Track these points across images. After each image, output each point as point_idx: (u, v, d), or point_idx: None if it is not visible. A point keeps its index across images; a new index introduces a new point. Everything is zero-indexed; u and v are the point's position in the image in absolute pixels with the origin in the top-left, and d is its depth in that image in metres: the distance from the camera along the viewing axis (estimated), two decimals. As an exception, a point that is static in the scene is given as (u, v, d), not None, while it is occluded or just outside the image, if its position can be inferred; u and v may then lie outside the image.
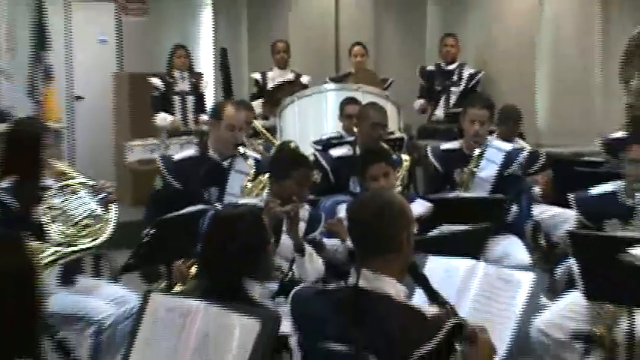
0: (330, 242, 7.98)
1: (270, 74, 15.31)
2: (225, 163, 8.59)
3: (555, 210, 9.63)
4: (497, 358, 5.09)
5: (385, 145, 9.48)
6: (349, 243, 7.76)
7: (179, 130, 14.54)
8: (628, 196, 7.61)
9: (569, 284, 7.54)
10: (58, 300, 7.26)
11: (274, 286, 7.02)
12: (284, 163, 7.88)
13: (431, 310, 4.74)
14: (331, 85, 13.33)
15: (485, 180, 9.20)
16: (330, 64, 16.80)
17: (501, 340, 5.40)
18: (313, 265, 7.46)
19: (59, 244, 7.50)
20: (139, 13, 18.56)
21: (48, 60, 16.58)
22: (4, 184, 7.61)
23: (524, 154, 9.57)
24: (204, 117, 14.04)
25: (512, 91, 12.98)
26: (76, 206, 7.69)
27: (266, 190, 8.01)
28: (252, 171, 8.49)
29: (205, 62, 18.19)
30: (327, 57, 17.06)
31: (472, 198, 9.02)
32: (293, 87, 14.32)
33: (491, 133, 9.53)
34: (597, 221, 7.71)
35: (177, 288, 7.06)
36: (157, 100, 14.80)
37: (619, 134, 10.30)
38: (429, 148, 9.71)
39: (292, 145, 8.71)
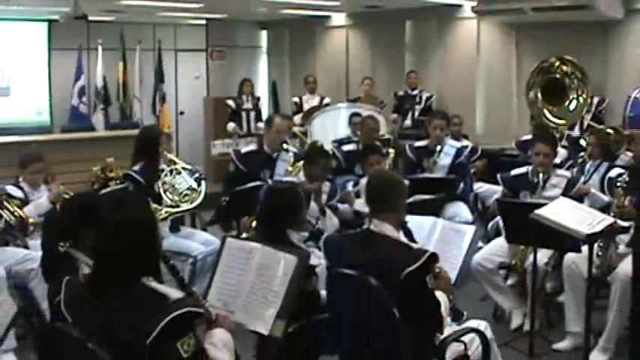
0: (343, 206, 8.00)
1: (304, 97, 15.26)
2: (275, 155, 8.56)
3: (488, 185, 9.61)
4: (452, 282, 5.21)
5: (378, 143, 9.49)
6: (355, 207, 7.84)
7: (238, 135, 14.57)
8: (534, 176, 7.61)
9: (496, 233, 7.54)
10: (169, 241, 7.31)
11: (306, 234, 7.04)
12: (313, 154, 7.90)
13: (415, 245, 4.92)
14: (344, 104, 13.30)
15: (443, 166, 9.27)
16: (343, 90, 16.78)
17: (454, 270, 5.44)
18: (331, 221, 7.52)
19: (169, 206, 7.56)
20: (220, 57, 18.55)
21: (163, 89, 16.63)
22: (136, 167, 7.66)
23: (468, 149, 9.64)
24: (261, 125, 14.05)
25: (459, 108, 12.92)
26: (180, 182, 7.75)
27: (301, 173, 7.97)
28: (292, 160, 8.47)
29: (262, 90, 18.14)
30: (340, 85, 17.05)
31: (435, 178, 9.07)
32: (319, 107, 14.35)
33: (446, 136, 9.51)
34: (515, 193, 7.73)
35: (243, 235, 7.03)
36: (230, 115, 14.80)
37: (527, 137, 10.28)
38: (407, 146, 9.75)
39: (318, 143, 8.69)
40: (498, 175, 8.09)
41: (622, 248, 6.62)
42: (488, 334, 5.03)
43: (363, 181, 7.48)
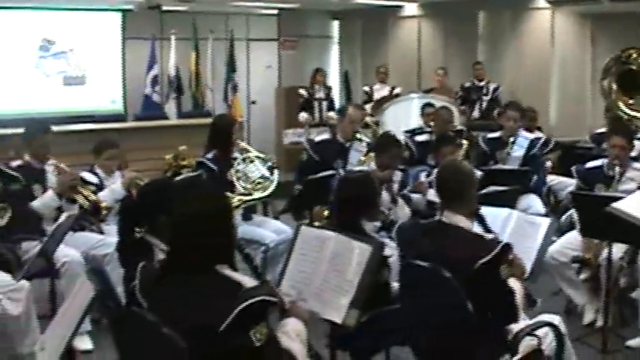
0: (415, 196, 7.96)
1: (374, 87, 15.26)
2: (348, 144, 8.57)
3: (561, 178, 9.52)
4: (526, 275, 5.19)
5: (451, 134, 9.44)
6: (427, 197, 7.80)
7: (310, 124, 14.65)
8: (609, 169, 7.54)
9: (570, 226, 7.45)
10: (242, 229, 7.30)
11: (378, 224, 7.02)
12: (384, 143, 7.89)
13: (488, 236, 4.92)
14: (416, 94, 13.29)
15: (516, 158, 9.24)
16: (414, 80, 16.70)
17: (527, 263, 5.39)
18: (403, 210, 7.49)
19: (242, 195, 7.59)
20: (292, 47, 18.57)
21: (235, 79, 16.68)
22: (209, 155, 7.72)
23: (542, 141, 9.54)
24: (333, 114, 14.08)
25: (532, 99, 12.78)
26: (253, 170, 7.80)
27: (372, 162, 7.96)
28: (365, 150, 8.48)
29: (333, 79, 18.11)
30: (412, 75, 16.96)
31: (508, 169, 9.02)
32: (390, 97, 14.34)
33: (519, 127, 9.43)
34: (589, 186, 7.64)
35: (316, 224, 7.03)
36: (302, 104, 14.86)
37: (602, 129, 10.13)
38: (479, 137, 9.74)
39: (390, 133, 8.67)
40: (573, 168, 8.02)
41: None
42: (562, 328, 4.95)
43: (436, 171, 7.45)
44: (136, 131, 13.33)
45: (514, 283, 4.76)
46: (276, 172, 7.91)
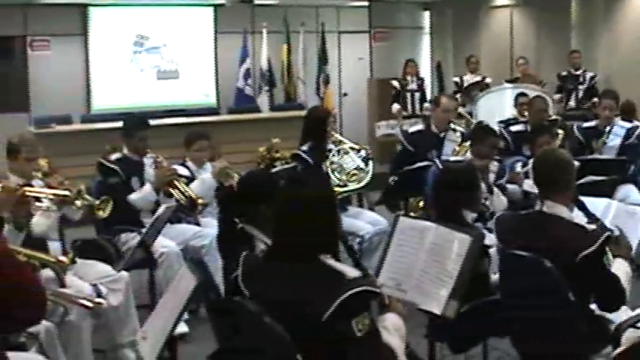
0: (511, 187, 7.87)
1: (465, 77, 15.17)
2: (442, 135, 8.53)
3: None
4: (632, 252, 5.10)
5: (546, 123, 9.32)
6: (523, 187, 7.71)
7: (402, 116, 14.62)
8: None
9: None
10: (339, 220, 7.31)
11: (474, 215, 6.94)
12: (480, 133, 7.81)
13: (590, 226, 4.81)
14: (509, 85, 13.21)
15: (612, 148, 9.13)
16: (507, 71, 16.51)
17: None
18: (500, 200, 7.38)
19: (337, 186, 7.60)
20: (383, 39, 18.53)
21: (326, 71, 16.70)
22: (304, 147, 7.73)
23: (639, 131, 9.31)
24: (427, 105, 14.04)
25: (627, 88, 12.52)
26: (347, 162, 7.80)
27: (468, 153, 7.89)
28: (459, 140, 8.43)
29: (425, 71, 18.01)
30: (504, 65, 16.76)
31: (605, 159, 8.87)
32: (480, 85, 14.26)
33: (616, 116, 9.29)
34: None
35: (411, 215, 7.01)
36: (394, 96, 14.83)
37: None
38: (574, 126, 9.61)
39: (484, 123, 8.62)
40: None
41: None
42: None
43: (532, 161, 7.36)
44: (229, 124, 13.45)
45: (621, 264, 4.76)
46: (370, 163, 7.90)
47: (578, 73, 14.56)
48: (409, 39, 18.96)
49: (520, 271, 4.76)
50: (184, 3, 16.15)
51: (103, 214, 6.19)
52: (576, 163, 5.53)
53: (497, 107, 11.93)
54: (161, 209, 6.63)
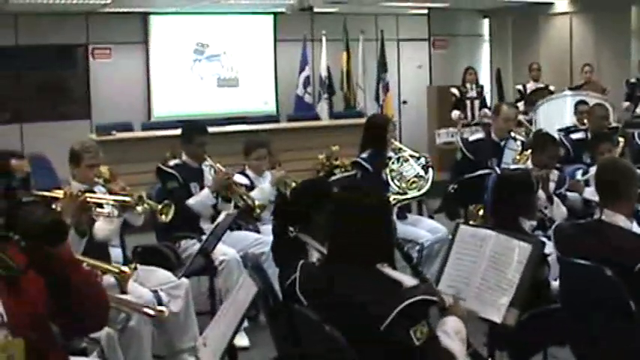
0: (572, 195, 7.79)
1: (528, 85, 15.05)
2: (502, 143, 8.48)
3: None
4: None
5: (607, 131, 9.23)
6: (584, 195, 7.64)
7: (466, 122, 14.54)
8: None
9: None
10: (397, 228, 7.29)
11: (534, 223, 6.91)
12: (541, 142, 7.76)
13: None
14: (569, 92, 13.06)
15: (675, 156, 8.93)
16: (566, 78, 16.39)
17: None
18: (559, 210, 7.29)
19: (397, 194, 7.58)
20: (442, 46, 18.54)
21: (386, 78, 16.71)
22: (364, 154, 7.75)
23: None
24: (487, 112, 13.97)
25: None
26: (407, 169, 7.77)
27: (528, 161, 7.84)
28: (519, 148, 8.38)
29: (484, 78, 17.93)
30: (564, 73, 16.67)
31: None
32: (543, 92, 14.15)
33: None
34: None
35: (471, 223, 6.98)
36: (454, 103, 14.77)
37: None
38: (636, 134, 9.51)
39: (544, 132, 8.57)
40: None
41: None
42: None
43: (593, 169, 7.29)
44: (289, 132, 13.46)
45: None
46: (430, 170, 7.86)
47: (647, 80, 14.41)
48: (468, 46, 18.95)
49: (581, 279, 4.73)
50: (245, 11, 16.26)
51: (165, 218, 6.25)
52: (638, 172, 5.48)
53: (557, 115, 11.82)
54: (221, 216, 6.67)
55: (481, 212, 7.28)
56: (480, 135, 8.87)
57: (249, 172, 8.02)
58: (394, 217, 7.47)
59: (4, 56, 14.67)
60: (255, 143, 8.19)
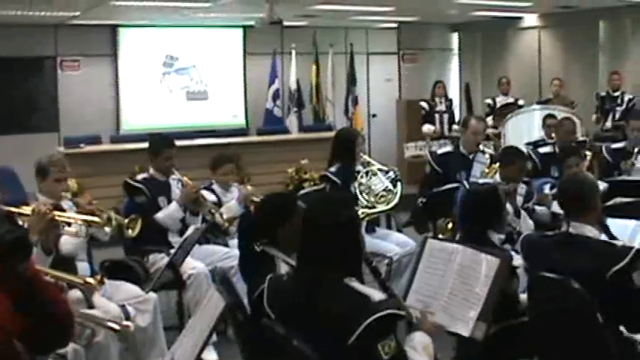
0: (539, 209, 7.83)
1: (497, 99, 15.14)
2: (471, 156, 8.49)
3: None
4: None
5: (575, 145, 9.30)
6: (553, 209, 7.67)
7: (436, 135, 14.58)
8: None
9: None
10: (365, 242, 7.25)
11: (502, 236, 6.92)
12: (509, 156, 7.80)
13: (618, 243, 4.89)
14: (537, 106, 13.17)
15: (641, 169, 9.03)
16: (535, 91, 16.49)
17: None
18: (527, 223, 7.32)
19: (365, 207, 7.58)
20: (412, 60, 18.62)
21: (355, 92, 16.76)
22: (333, 168, 7.73)
23: (669, 151, 9.30)
24: (455, 126, 14.04)
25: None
26: (376, 183, 7.76)
27: (497, 175, 7.87)
28: (488, 162, 8.39)
29: (454, 92, 18.01)
30: (533, 86, 16.76)
31: (634, 180, 8.76)
32: (512, 107, 14.21)
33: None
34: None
35: (440, 237, 6.99)
36: (423, 117, 14.81)
37: None
38: (603, 147, 9.57)
39: (512, 146, 8.61)
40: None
41: None
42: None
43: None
44: (258, 145, 13.44)
45: None
46: (399, 184, 7.85)
47: (616, 94, 14.46)
48: (438, 60, 19.02)
49: (548, 292, 4.76)
50: (214, 24, 16.24)
51: (132, 232, 6.21)
52: (605, 185, 5.54)
53: (525, 128, 11.89)
54: (190, 230, 6.66)
55: (450, 226, 7.31)
56: (448, 148, 8.89)
57: (215, 187, 7.97)
58: (363, 230, 7.47)
59: (-28, 68, 14.57)
60: (222, 159, 8.15)
